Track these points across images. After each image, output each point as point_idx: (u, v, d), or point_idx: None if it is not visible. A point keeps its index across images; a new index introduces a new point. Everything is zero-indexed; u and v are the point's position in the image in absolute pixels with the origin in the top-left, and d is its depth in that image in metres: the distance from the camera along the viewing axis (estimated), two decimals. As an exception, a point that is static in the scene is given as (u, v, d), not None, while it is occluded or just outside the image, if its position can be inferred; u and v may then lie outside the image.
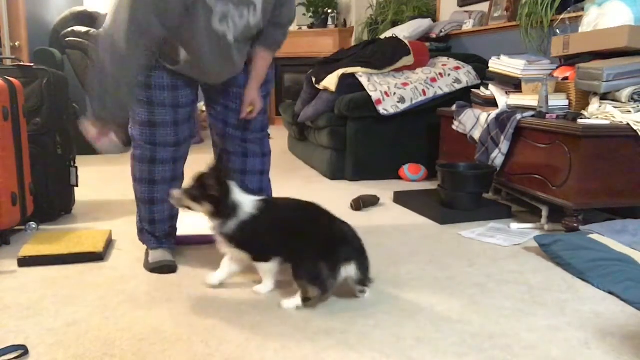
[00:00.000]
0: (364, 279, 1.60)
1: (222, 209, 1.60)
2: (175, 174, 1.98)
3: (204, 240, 2.17)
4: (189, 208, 1.66)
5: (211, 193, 1.59)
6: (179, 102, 1.88)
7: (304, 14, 7.11)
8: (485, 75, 3.26)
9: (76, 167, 2.66)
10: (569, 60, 2.72)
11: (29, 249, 1.99)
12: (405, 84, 3.59)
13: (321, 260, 1.52)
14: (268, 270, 1.68)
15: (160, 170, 1.93)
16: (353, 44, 6.18)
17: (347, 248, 1.57)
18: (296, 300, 1.57)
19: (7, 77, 2.24)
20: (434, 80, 3.66)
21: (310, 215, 1.65)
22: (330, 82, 3.62)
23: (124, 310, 1.56)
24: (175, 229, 2.09)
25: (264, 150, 2.11)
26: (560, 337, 1.42)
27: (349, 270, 1.55)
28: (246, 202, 1.63)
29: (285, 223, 1.64)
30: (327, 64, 3.90)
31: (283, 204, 1.74)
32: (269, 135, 2.17)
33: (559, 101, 2.47)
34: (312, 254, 1.54)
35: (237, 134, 2.04)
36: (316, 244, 1.56)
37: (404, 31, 4.38)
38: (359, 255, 1.59)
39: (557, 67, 2.76)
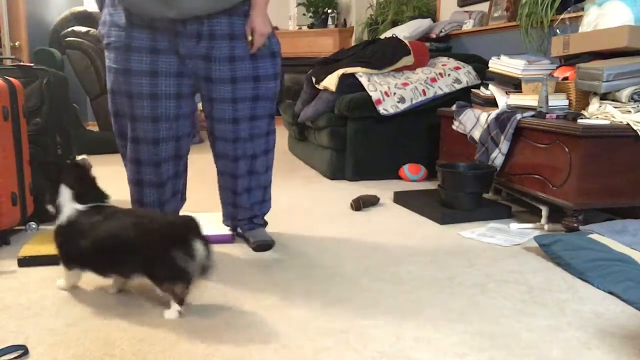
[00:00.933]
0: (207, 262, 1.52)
1: (49, 206, 1.69)
2: (162, 178, 1.98)
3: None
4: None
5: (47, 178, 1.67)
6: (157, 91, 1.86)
7: (304, 14, 7.11)
8: (485, 75, 3.26)
9: (76, 167, 2.65)
10: (569, 60, 2.72)
11: (29, 249, 1.99)
12: (405, 84, 3.59)
13: (163, 255, 1.46)
14: (68, 276, 1.70)
15: (145, 171, 1.96)
16: (353, 44, 6.19)
17: (180, 232, 1.50)
18: (174, 307, 1.51)
19: (7, 77, 2.24)
20: (434, 80, 3.66)
21: (128, 225, 1.55)
22: (330, 82, 3.62)
23: (124, 310, 1.56)
24: None
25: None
26: (560, 337, 1.42)
27: (196, 249, 1.48)
28: (68, 207, 1.64)
29: (97, 236, 1.56)
30: (327, 64, 3.90)
31: (112, 216, 1.63)
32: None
33: (559, 101, 2.47)
34: (150, 256, 1.48)
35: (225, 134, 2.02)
36: (145, 246, 1.50)
37: (404, 31, 4.39)
38: (197, 235, 1.51)
39: (557, 67, 2.76)
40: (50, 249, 1.99)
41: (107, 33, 1.85)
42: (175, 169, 2.03)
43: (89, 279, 1.81)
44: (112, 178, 3.65)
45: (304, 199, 3.04)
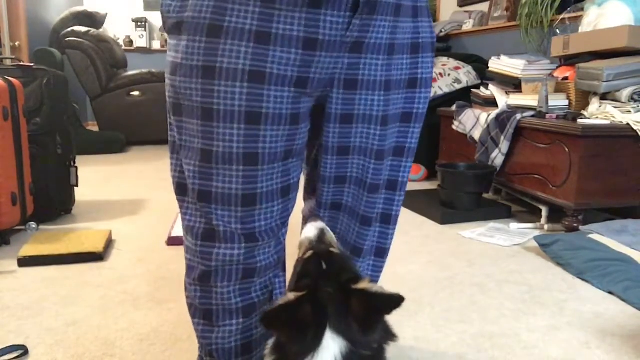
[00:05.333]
0: None
1: None
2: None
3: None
4: None
5: None
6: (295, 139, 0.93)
7: (304, 14, 7.10)
8: (485, 75, 3.26)
9: (76, 167, 2.66)
10: (569, 60, 2.72)
11: (29, 249, 1.99)
12: (405, 84, 3.59)
13: None
14: None
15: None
16: (353, 44, 6.17)
17: None
18: None
19: (7, 77, 2.24)
20: (434, 80, 3.66)
21: None
22: (331, 82, 3.61)
23: (124, 310, 1.56)
24: None
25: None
26: (560, 337, 1.42)
27: None
28: None
29: None
30: (327, 64, 3.89)
31: None
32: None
33: (559, 101, 2.47)
34: None
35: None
36: None
37: (404, 31, 4.38)
38: None
39: (557, 67, 2.76)
40: (50, 248, 1.99)
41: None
42: None
43: (90, 279, 1.81)
44: (113, 178, 3.66)
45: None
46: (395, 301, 0.71)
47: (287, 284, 0.98)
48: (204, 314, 0.97)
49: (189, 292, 0.98)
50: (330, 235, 0.92)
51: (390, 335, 0.79)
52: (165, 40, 6.80)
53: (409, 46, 0.99)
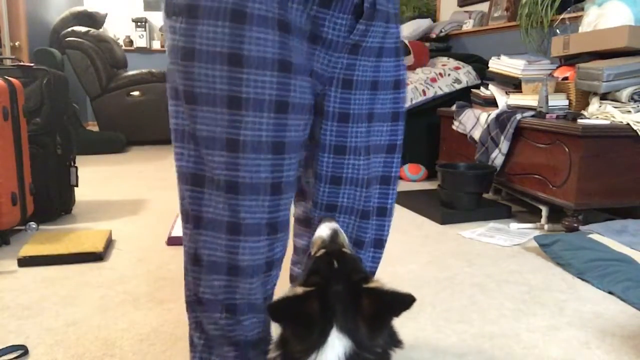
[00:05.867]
0: None
1: None
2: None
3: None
4: None
5: None
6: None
7: (304, 14, 7.10)
8: (485, 75, 3.26)
9: (76, 167, 2.66)
10: (569, 60, 2.72)
11: (29, 249, 1.99)
12: (405, 84, 3.59)
13: None
14: None
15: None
16: (353, 44, 6.17)
17: None
18: None
19: (7, 77, 2.24)
20: (434, 80, 3.66)
21: None
22: (331, 82, 3.61)
23: (124, 310, 1.56)
24: None
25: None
26: (560, 337, 1.42)
27: None
28: None
29: None
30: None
31: None
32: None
33: (559, 101, 2.47)
34: None
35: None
36: None
37: (404, 31, 4.38)
38: None
39: (557, 67, 2.76)
40: (50, 248, 1.99)
41: None
42: None
43: (90, 279, 1.81)
44: (113, 178, 3.66)
45: (304, 199, 3.03)
46: (407, 301, 0.71)
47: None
48: (226, 307, 0.94)
49: (208, 289, 0.94)
50: (343, 237, 0.93)
51: (395, 341, 0.77)
52: (165, 40, 6.81)
53: (393, 50, 1.04)
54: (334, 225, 0.93)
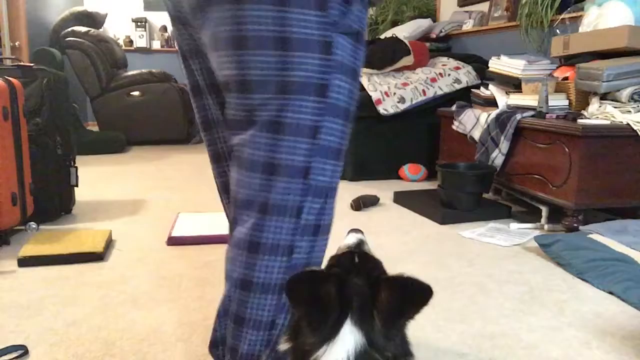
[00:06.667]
0: None
1: None
2: None
3: (203, 241, 2.17)
4: None
5: None
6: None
7: (304, 14, 7.10)
8: (485, 75, 3.26)
9: (76, 167, 2.66)
10: (569, 60, 2.72)
11: (29, 249, 1.99)
12: (405, 84, 3.59)
13: None
14: None
15: None
16: (353, 44, 6.16)
17: None
18: None
19: (7, 77, 2.24)
20: (434, 80, 3.66)
21: None
22: (331, 82, 3.61)
23: (124, 310, 1.56)
24: None
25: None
26: (560, 337, 1.42)
27: None
28: None
29: None
30: (327, 64, 3.89)
31: None
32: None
33: (559, 101, 2.47)
34: None
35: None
36: None
37: (404, 31, 4.38)
38: None
39: (557, 67, 2.76)
40: (50, 249, 1.99)
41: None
42: None
43: (90, 279, 1.81)
44: (113, 178, 3.66)
45: (304, 199, 3.03)
46: (426, 292, 0.70)
47: None
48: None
49: (273, 269, 0.87)
50: (368, 248, 0.94)
51: (406, 351, 0.74)
52: (166, 40, 6.81)
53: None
54: (360, 236, 0.96)
